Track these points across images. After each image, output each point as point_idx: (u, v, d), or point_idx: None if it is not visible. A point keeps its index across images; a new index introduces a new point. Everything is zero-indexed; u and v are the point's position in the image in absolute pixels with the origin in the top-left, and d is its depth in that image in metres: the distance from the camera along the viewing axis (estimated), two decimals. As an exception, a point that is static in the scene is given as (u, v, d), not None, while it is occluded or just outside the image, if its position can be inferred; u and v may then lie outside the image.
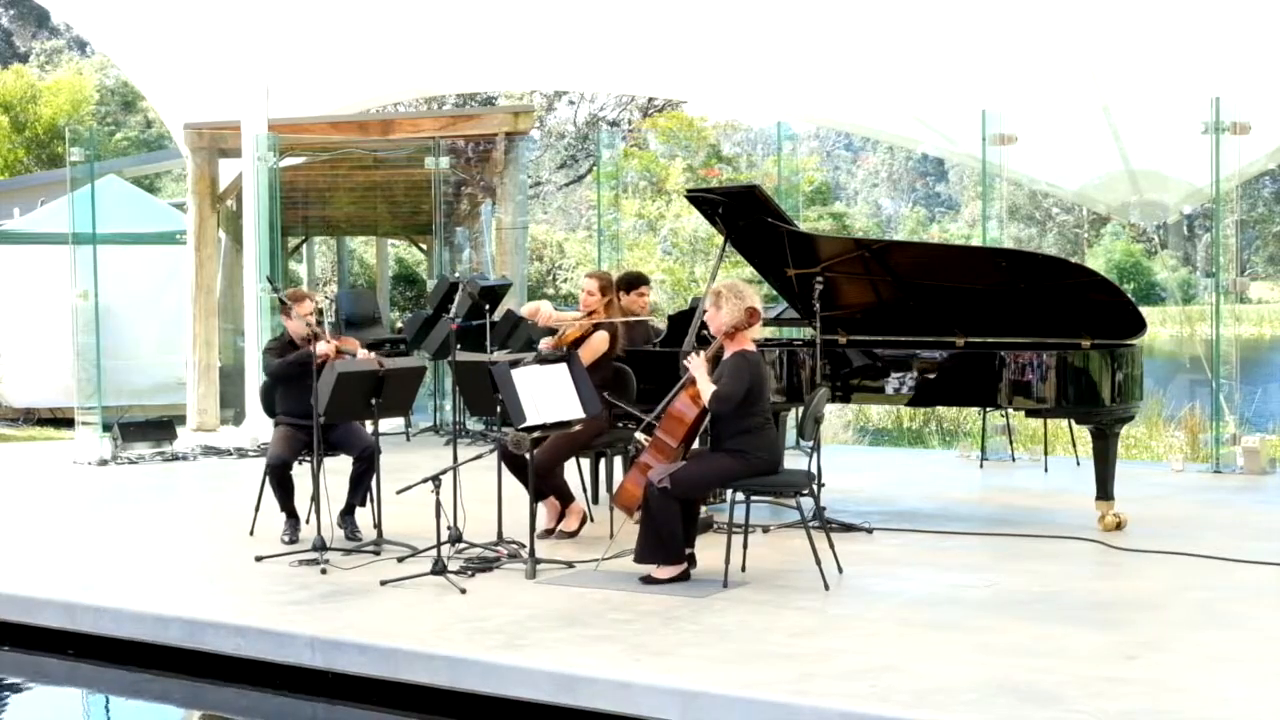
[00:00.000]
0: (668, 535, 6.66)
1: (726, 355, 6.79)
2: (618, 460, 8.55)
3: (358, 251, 24.42)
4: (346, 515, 7.92)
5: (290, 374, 7.82)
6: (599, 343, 8.03)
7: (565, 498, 7.99)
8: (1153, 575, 6.96)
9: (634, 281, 9.54)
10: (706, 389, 6.70)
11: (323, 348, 7.70)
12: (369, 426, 7.69)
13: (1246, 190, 35.73)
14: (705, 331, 7.41)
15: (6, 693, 6.50)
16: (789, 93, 13.92)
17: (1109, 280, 8.34)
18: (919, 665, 5.36)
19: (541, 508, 7.79)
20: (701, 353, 6.88)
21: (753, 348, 6.78)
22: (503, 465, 7.44)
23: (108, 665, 6.47)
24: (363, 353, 7.77)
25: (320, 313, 7.95)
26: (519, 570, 6.97)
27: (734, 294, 6.75)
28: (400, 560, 7.23)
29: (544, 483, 7.71)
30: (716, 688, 5.13)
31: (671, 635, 5.84)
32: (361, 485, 7.86)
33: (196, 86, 14.28)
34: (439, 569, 6.79)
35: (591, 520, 8.10)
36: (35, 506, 9.70)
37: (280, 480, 7.84)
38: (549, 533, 7.88)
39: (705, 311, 6.99)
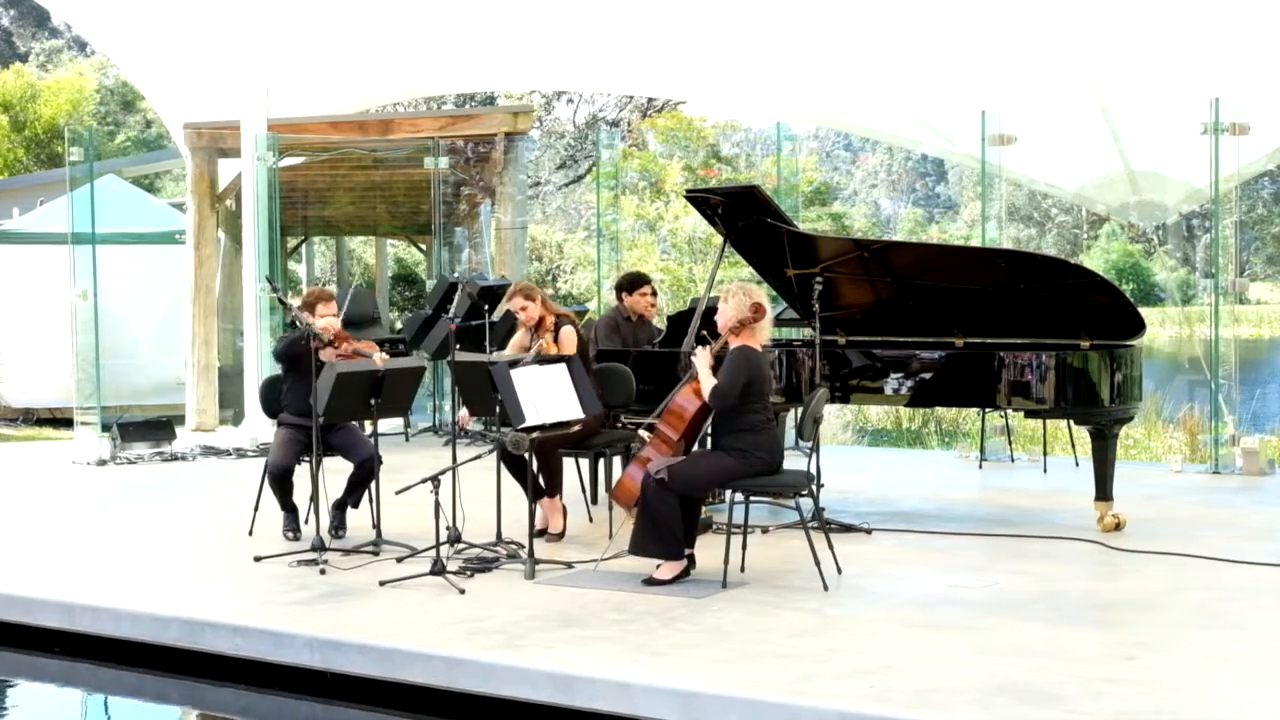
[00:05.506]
0: (664, 527, 6.64)
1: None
2: (616, 460, 8.54)
3: (357, 251, 24.42)
4: (338, 510, 7.95)
5: (297, 351, 7.77)
6: (569, 338, 8.04)
7: (553, 485, 7.90)
8: (1152, 576, 6.96)
9: (635, 282, 9.53)
10: (708, 384, 6.71)
11: (323, 322, 7.68)
12: (369, 430, 7.69)
13: (1245, 191, 35.71)
14: (705, 331, 7.41)
15: (6, 693, 6.51)
16: (788, 93, 13.92)
17: (1108, 281, 8.34)
18: (918, 665, 5.36)
19: (539, 507, 7.78)
20: (706, 348, 6.90)
21: (757, 345, 6.78)
22: (502, 465, 7.45)
23: (106, 665, 6.47)
24: (379, 356, 7.72)
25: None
26: (518, 570, 6.97)
27: (740, 291, 6.80)
28: (399, 561, 7.23)
29: (543, 460, 7.70)
30: (715, 688, 5.13)
31: (670, 636, 5.84)
32: (359, 489, 7.88)
33: (196, 86, 14.28)
34: (438, 569, 6.79)
35: (590, 520, 8.10)
36: (34, 506, 9.70)
37: (281, 486, 7.87)
38: (543, 533, 7.83)
39: (715, 310, 7.00)
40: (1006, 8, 11.74)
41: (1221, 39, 11.42)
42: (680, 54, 13.74)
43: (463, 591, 6.60)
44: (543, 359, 7.31)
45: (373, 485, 7.70)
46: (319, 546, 7.24)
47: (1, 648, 6.76)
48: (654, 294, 9.71)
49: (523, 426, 6.83)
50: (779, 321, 10.32)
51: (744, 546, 6.88)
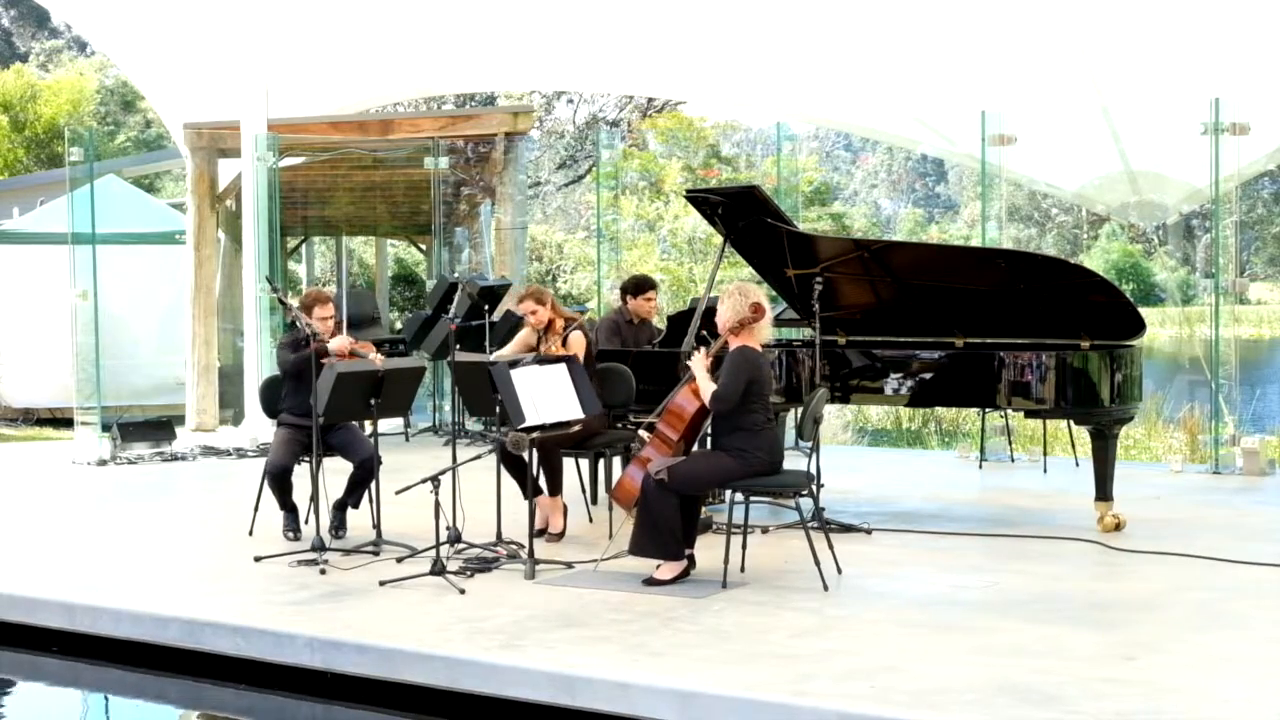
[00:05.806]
0: (664, 527, 6.64)
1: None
2: (616, 460, 8.54)
3: (357, 252, 24.43)
4: (338, 511, 7.95)
5: (304, 369, 7.76)
6: (577, 341, 8.04)
7: (554, 484, 7.89)
8: (1151, 576, 6.96)
9: (641, 285, 9.53)
10: (707, 388, 6.71)
11: (336, 343, 7.69)
12: (370, 430, 7.69)
13: (1246, 191, 35.74)
14: (705, 332, 7.40)
15: (6, 692, 6.50)
16: (789, 93, 13.92)
17: (1108, 281, 8.34)
18: (918, 665, 5.36)
19: (539, 507, 7.77)
20: (703, 350, 6.90)
21: (757, 345, 6.77)
22: (502, 466, 7.45)
23: (107, 665, 6.47)
24: (375, 356, 7.71)
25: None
26: (518, 571, 6.97)
27: (738, 292, 6.79)
28: (399, 561, 7.23)
29: (545, 459, 7.69)
30: (715, 688, 5.13)
31: (670, 636, 5.84)
32: (359, 489, 7.87)
33: (196, 86, 14.28)
34: (438, 569, 6.79)
35: (590, 520, 8.10)
36: (35, 506, 9.70)
37: (281, 486, 7.87)
38: (543, 533, 7.83)
39: (715, 310, 7.00)
40: (1006, 8, 11.74)
41: (1221, 39, 11.42)
42: (680, 54, 13.74)
43: (463, 591, 6.60)
44: (542, 359, 7.31)
45: (373, 485, 7.70)
46: (319, 546, 7.24)
47: (1, 648, 6.76)
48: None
49: (523, 426, 6.83)
50: (779, 321, 10.32)
51: (744, 546, 6.88)
